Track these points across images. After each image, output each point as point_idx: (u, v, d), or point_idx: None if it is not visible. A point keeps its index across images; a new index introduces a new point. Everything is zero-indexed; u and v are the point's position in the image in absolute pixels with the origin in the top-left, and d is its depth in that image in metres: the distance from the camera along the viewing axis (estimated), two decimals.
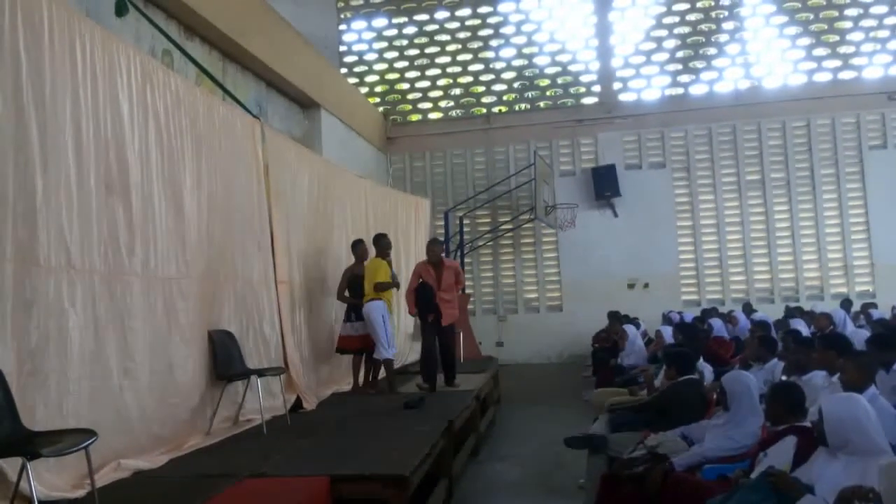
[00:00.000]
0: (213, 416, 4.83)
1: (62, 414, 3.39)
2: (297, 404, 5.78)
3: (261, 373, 5.08)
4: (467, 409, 5.76)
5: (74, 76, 3.70)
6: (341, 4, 14.02)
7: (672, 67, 13.02)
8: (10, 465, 2.93)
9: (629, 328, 7.78)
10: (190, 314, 4.67)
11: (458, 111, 13.84)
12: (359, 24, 14.03)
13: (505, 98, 13.75)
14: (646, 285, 12.44)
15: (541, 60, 13.53)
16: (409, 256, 10.18)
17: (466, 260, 12.52)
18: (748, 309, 10.25)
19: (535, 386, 10.00)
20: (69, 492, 3.24)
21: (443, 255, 7.34)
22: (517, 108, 13.67)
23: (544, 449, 5.97)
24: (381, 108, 13.73)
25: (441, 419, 4.83)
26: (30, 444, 2.70)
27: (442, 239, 12.03)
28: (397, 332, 7.59)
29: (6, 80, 3.24)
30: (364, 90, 13.77)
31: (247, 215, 5.68)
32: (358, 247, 7.01)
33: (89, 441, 2.79)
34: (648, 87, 13.10)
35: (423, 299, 6.56)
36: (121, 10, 5.28)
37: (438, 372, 6.67)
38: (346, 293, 6.88)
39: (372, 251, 6.91)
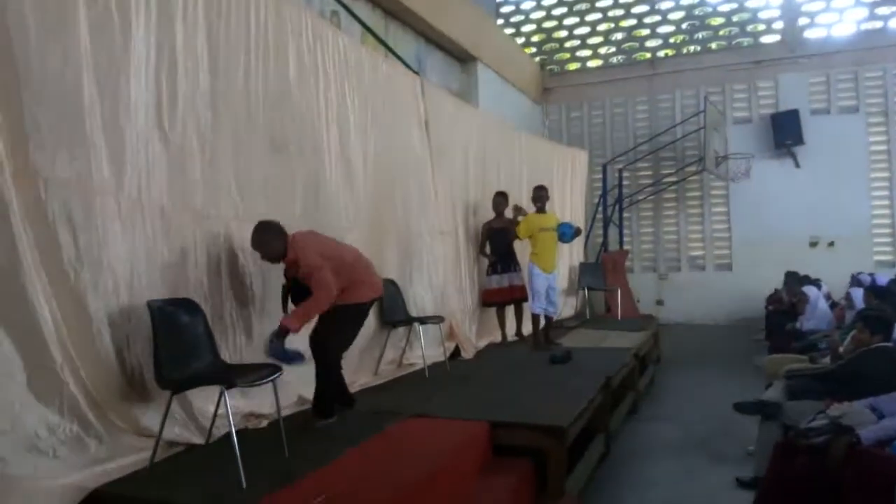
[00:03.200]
0: (379, 359, 5.13)
1: (247, 349, 3.76)
2: (456, 352, 5.98)
3: (422, 321, 5.30)
4: (625, 367, 5.62)
5: (248, 39, 3.97)
6: None
7: None
8: (200, 398, 3.32)
9: (810, 290, 7.11)
10: None
11: (619, 57, 13.16)
12: None
13: (672, 41, 12.82)
14: (830, 244, 11.24)
15: None
16: (564, 211, 10.00)
17: (625, 215, 12.07)
18: None
19: (698, 348, 9.52)
20: (256, 421, 3.62)
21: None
22: (685, 50, 12.71)
23: (708, 413, 5.70)
24: (537, 59, 13.41)
25: (598, 375, 4.76)
26: (227, 376, 3.02)
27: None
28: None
29: (189, 44, 3.54)
30: (520, 41, 13.51)
31: (409, 169, 5.87)
32: (494, 200, 6.96)
33: (276, 375, 3.08)
34: (840, 21, 11.57)
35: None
36: None
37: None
38: (487, 248, 6.93)
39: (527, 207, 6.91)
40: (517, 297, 6.85)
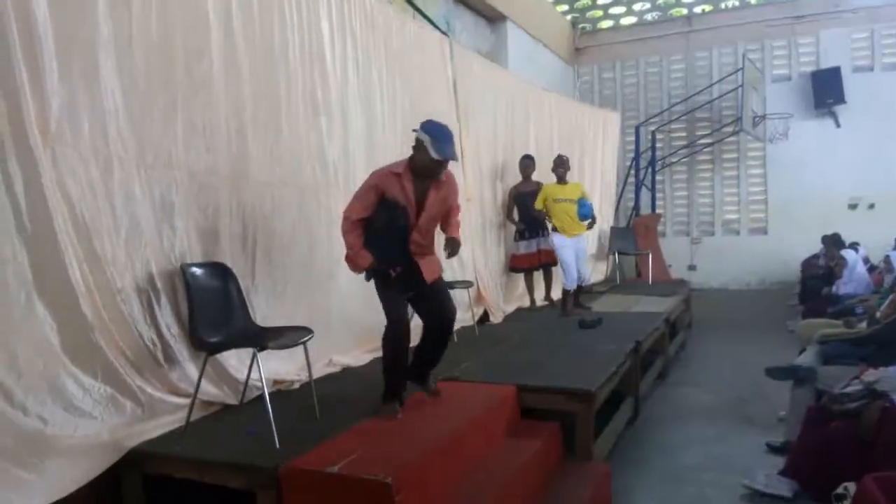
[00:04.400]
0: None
1: (278, 313, 3.82)
2: (484, 317, 6.00)
3: (451, 285, 5.28)
4: (656, 331, 5.59)
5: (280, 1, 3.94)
6: None
7: None
8: (234, 360, 3.40)
9: (848, 254, 6.93)
10: None
11: (654, 14, 12.76)
12: None
13: None
14: (871, 206, 10.90)
15: None
16: (594, 174, 9.86)
17: (658, 178, 11.84)
18: None
19: (731, 313, 9.40)
20: (288, 382, 3.70)
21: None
22: (724, 5, 12.26)
23: (740, 377, 5.66)
24: (569, 17, 13.08)
25: (628, 339, 4.73)
26: (259, 338, 3.08)
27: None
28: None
29: (218, 6, 3.53)
30: None
31: None
32: (521, 163, 6.90)
33: (307, 337, 3.13)
34: None
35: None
36: None
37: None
38: (515, 214, 6.87)
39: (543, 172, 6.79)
40: (545, 261, 6.82)
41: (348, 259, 3.25)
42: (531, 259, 6.82)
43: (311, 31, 4.22)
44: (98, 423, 2.80)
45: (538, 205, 6.32)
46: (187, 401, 3.05)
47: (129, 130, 3.09)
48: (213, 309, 3.14)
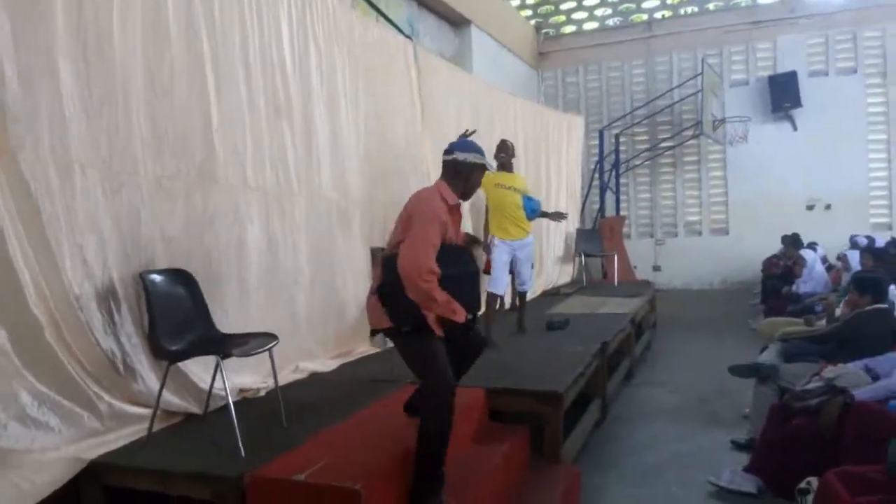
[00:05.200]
0: None
1: (242, 319, 3.74)
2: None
3: None
4: (622, 332, 5.65)
5: (241, 2, 3.88)
6: None
7: None
8: (195, 368, 3.31)
9: (807, 253, 7.12)
10: (349, 231, 4.91)
11: (616, 19, 12.96)
12: None
13: (669, 1, 12.61)
14: (827, 207, 11.23)
15: None
16: (560, 178, 9.94)
17: (622, 180, 12.00)
18: None
19: (695, 312, 9.57)
20: (253, 389, 3.63)
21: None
22: (683, 11, 12.50)
23: (704, 376, 5.75)
24: (532, 22, 13.19)
25: (595, 341, 4.77)
26: (222, 345, 3.01)
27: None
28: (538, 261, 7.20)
29: (180, 10, 3.46)
30: (516, 3, 13.27)
31: (401, 135, 5.80)
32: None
33: (272, 343, 3.07)
34: None
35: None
36: None
37: None
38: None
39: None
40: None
41: (443, 314, 2.62)
42: None
43: (272, 35, 4.15)
44: (56, 435, 2.71)
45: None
46: (149, 411, 2.97)
47: (92, 136, 3.00)
48: (174, 316, 3.07)
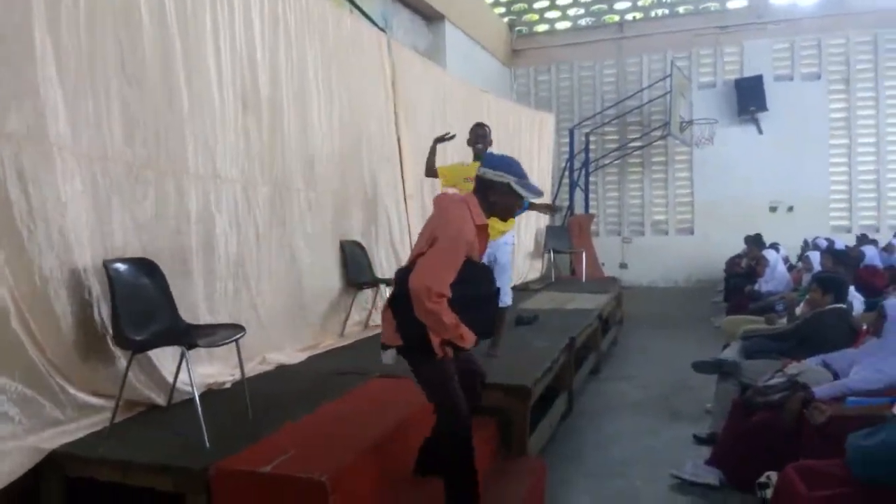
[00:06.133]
0: (345, 320, 5.11)
1: (209, 311, 3.70)
2: None
3: (388, 282, 5.26)
4: (589, 327, 5.71)
5: None
6: None
7: None
8: (161, 359, 3.25)
9: (769, 253, 7.28)
10: (319, 224, 4.87)
11: (588, 20, 13.07)
12: None
13: (640, 3, 12.77)
14: (790, 209, 11.52)
15: None
16: (530, 175, 9.93)
17: (591, 179, 12.12)
18: None
19: (660, 309, 9.73)
20: (219, 381, 3.58)
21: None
22: (654, 14, 12.67)
23: (668, 372, 5.85)
24: (506, 19, 13.23)
25: (562, 335, 4.82)
26: (188, 336, 2.97)
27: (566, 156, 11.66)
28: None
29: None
30: (489, 0, 13.30)
31: (375, 129, 5.77)
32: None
33: (239, 335, 3.03)
34: None
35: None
36: None
37: None
38: None
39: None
40: None
41: (451, 338, 2.44)
42: None
43: (242, 24, 4.09)
44: (15, 425, 2.63)
45: (444, 182, 4.68)
46: (112, 402, 2.90)
47: (67, 120, 2.93)
48: (139, 306, 3.00)
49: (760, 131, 11.64)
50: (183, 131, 3.58)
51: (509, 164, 2.60)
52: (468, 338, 2.46)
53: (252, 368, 3.83)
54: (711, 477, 3.43)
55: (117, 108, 3.19)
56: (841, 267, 5.58)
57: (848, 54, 11.24)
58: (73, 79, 2.96)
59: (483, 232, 2.60)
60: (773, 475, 2.76)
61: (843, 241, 8.90)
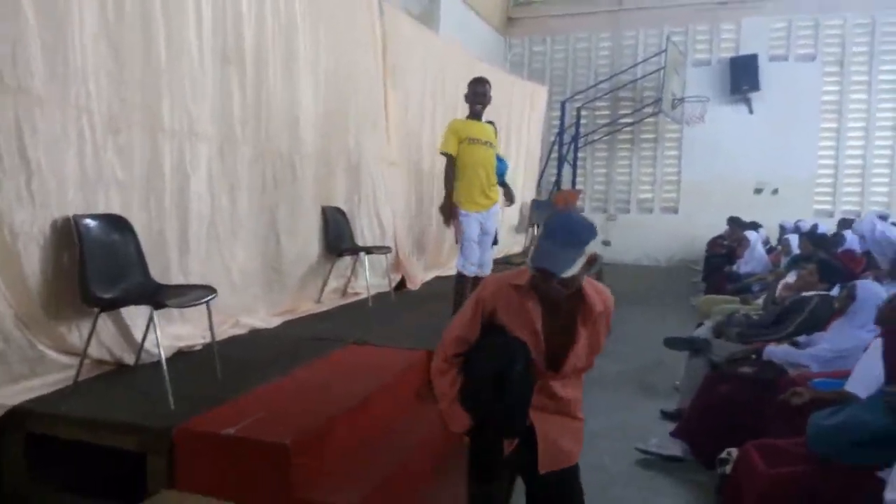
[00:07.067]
0: (323, 287, 5.08)
1: (182, 271, 3.65)
2: (402, 283, 5.98)
3: (368, 250, 5.24)
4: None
5: None
6: None
7: None
8: (133, 318, 3.22)
9: (750, 234, 7.32)
10: (301, 188, 4.80)
11: None
12: None
13: None
14: (774, 191, 11.53)
15: None
16: (520, 148, 9.92)
17: (580, 154, 12.06)
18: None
19: (640, 288, 9.76)
20: (190, 343, 3.55)
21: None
22: None
23: (644, 348, 5.89)
24: None
25: None
26: (157, 295, 2.93)
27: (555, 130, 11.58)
28: None
29: None
30: None
31: (363, 93, 5.67)
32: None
33: (210, 296, 3.00)
34: None
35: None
36: None
37: None
38: None
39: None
40: None
41: (441, 412, 2.16)
42: None
43: None
44: None
45: (447, 146, 4.31)
46: (79, 359, 2.88)
47: (48, 69, 2.85)
48: (108, 263, 2.97)
49: (751, 111, 11.59)
50: (159, 84, 3.49)
51: (550, 221, 2.03)
52: (456, 422, 2.08)
53: (225, 331, 3.81)
54: (677, 448, 3.48)
55: (92, 59, 3.09)
56: (820, 250, 5.61)
57: (844, 36, 11.15)
58: (54, 25, 2.87)
59: (528, 295, 2.05)
60: (734, 451, 2.80)
61: (826, 226, 8.95)
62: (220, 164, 3.98)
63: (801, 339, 3.64)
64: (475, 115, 4.39)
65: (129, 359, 3.18)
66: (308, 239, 4.91)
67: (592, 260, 2.00)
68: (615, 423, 4.16)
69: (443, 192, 4.38)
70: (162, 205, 3.53)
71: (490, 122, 4.64)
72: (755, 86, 11.29)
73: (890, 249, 5.24)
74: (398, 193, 6.29)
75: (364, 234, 5.70)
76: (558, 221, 1.98)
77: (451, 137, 4.30)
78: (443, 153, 4.34)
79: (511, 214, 9.44)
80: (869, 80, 11.08)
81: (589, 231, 1.98)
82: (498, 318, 2.08)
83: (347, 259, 5.36)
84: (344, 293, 5.34)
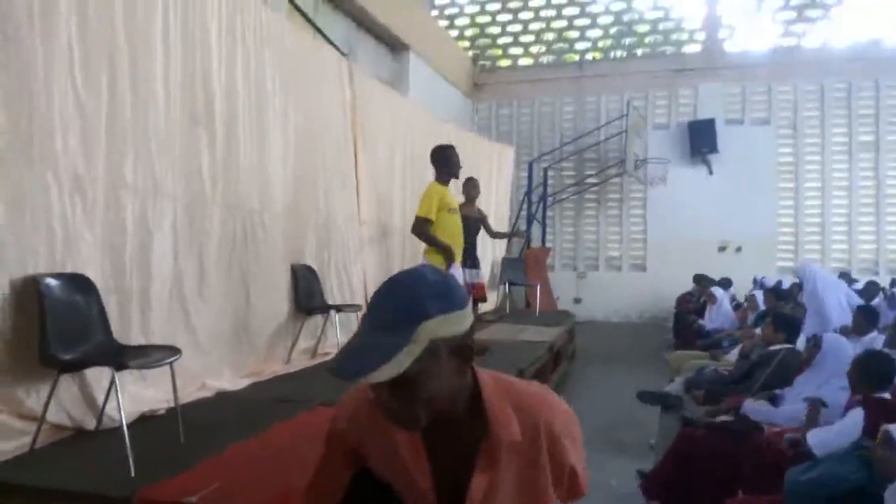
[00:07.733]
0: (292, 347, 4.99)
1: (144, 332, 3.56)
2: None
3: (339, 308, 5.19)
4: (539, 360, 5.70)
5: (165, 1, 3.75)
6: None
7: (785, 16, 12.02)
8: (96, 381, 3.12)
9: (717, 290, 7.46)
10: (270, 247, 4.77)
11: (549, 57, 13.37)
12: None
13: (600, 45, 13.15)
14: (738, 249, 11.83)
15: (641, 4, 12.80)
16: (489, 206, 10.03)
17: (548, 213, 12.27)
18: (848, 279, 9.57)
19: (611, 344, 9.81)
20: (154, 407, 3.42)
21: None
22: (612, 55, 13.05)
23: (617, 406, 5.86)
24: (469, 53, 13.44)
25: (512, 367, 4.79)
26: (119, 356, 2.84)
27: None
28: None
29: (99, 2, 3.31)
30: (454, 34, 13.50)
31: (332, 153, 5.74)
32: (465, 185, 6.33)
33: (174, 357, 2.92)
34: (758, 36, 12.17)
35: None
36: None
37: None
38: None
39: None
40: (475, 296, 6.01)
41: None
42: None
43: (197, 38, 4.02)
44: None
45: (424, 210, 4.82)
46: (35, 424, 2.75)
47: (10, 124, 2.83)
48: (70, 323, 2.88)
49: (711, 172, 11.99)
50: (124, 141, 3.47)
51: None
52: None
53: (190, 394, 3.70)
54: None
55: (59, 117, 3.08)
56: (782, 302, 5.73)
57: (796, 101, 11.72)
58: (16, 80, 2.86)
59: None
60: None
61: (789, 281, 9.16)
62: (187, 222, 3.94)
63: (778, 391, 3.66)
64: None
65: (90, 423, 3.06)
66: (277, 297, 4.86)
67: (465, 343, 1.19)
68: (590, 481, 4.08)
69: (414, 250, 4.55)
70: (122, 263, 3.47)
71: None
72: (714, 148, 11.73)
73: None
74: (370, 251, 6.29)
75: (334, 292, 5.66)
76: (379, 290, 1.21)
77: (427, 199, 4.81)
78: (421, 217, 4.75)
79: (483, 272, 9.47)
80: (822, 143, 11.60)
81: (426, 297, 1.14)
82: (371, 463, 1.35)
83: (318, 318, 5.29)
84: (314, 354, 5.25)
